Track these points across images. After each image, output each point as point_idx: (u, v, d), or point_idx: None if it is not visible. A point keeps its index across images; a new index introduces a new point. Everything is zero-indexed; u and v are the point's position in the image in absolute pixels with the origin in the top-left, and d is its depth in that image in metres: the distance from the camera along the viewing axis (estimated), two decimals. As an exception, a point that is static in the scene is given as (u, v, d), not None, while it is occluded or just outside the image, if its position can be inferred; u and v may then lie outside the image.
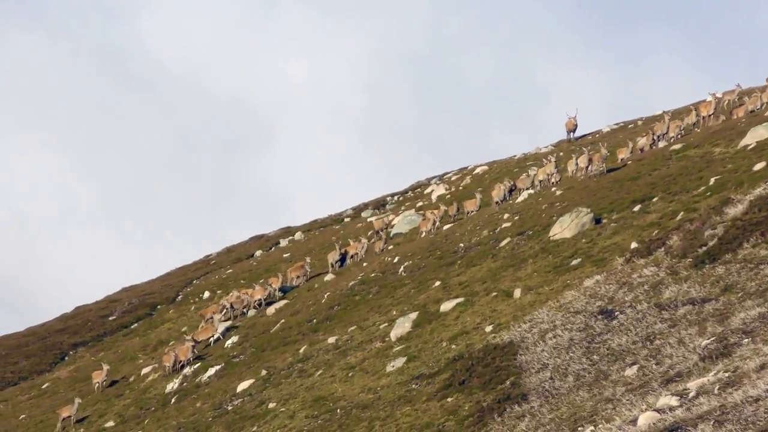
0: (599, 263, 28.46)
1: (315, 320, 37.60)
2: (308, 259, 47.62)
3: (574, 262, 29.68)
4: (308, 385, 30.41)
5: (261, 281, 47.08)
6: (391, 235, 49.95)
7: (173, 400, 36.72)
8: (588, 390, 20.57)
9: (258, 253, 62.38)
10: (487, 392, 23.45)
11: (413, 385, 26.51)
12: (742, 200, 25.55)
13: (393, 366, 28.46)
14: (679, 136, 44.22)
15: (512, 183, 46.53)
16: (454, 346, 27.66)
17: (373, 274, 40.81)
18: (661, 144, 44.34)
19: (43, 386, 48.14)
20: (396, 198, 65.17)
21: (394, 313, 33.20)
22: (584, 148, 46.05)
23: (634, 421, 15.40)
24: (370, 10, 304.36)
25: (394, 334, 30.98)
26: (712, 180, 31.97)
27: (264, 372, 33.71)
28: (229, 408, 32.24)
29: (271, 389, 31.85)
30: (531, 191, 44.40)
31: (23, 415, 43.95)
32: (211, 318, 44.70)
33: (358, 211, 65.58)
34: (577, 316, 23.96)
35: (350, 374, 29.68)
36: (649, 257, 25.23)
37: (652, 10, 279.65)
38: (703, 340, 19.35)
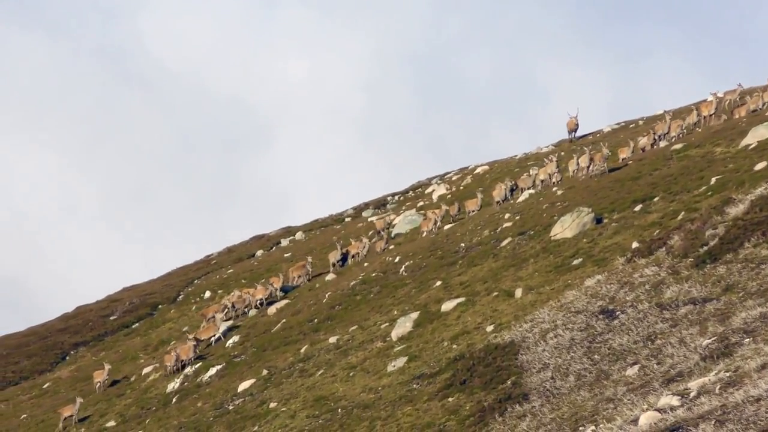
0: (600, 263, 28.46)
1: (316, 320, 37.60)
2: (310, 259, 47.63)
3: (575, 262, 29.69)
4: (309, 385, 30.41)
5: (262, 281, 47.09)
6: (393, 234, 49.95)
7: (174, 400, 36.73)
8: (589, 390, 20.57)
9: (259, 252, 62.40)
10: (488, 392, 23.45)
11: (414, 385, 26.51)
12: (743, 200, 25.54)
13: (394, 366, 28.46)
14: (681, 136, 44.22)
15: (513, 182, 46.52)
16: (455, 346, 27.66)
17: (374, 274, 40.82)
18: (663, 144, 44.33)
19: (44, 386, 48.16)
20: (397, 198, 65.18)
21: (395, 312, 33.21)
22: (585, 148, 46.05)
23: (635, 421, 15.40)
24: (370, 9, 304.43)
25: (395, 334, 30.98)
26: (713, 180, 31.96)
27: (265, 372, 33.72)
28: (230, 408, 32.25)
29: (272, 389, 31.86)
30: (532, 191, 44.40)
31: (24, 415, 43.96)
32: (213, 317, 44.71)
33: (358, 210, 65.59)
34: (578, 315, 23.96)
35: (351, 374, 29.69)
36: (650, 257, 25.23)
37: (652, 9, 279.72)
38: (705, 340, 19.35)
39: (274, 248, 62.92)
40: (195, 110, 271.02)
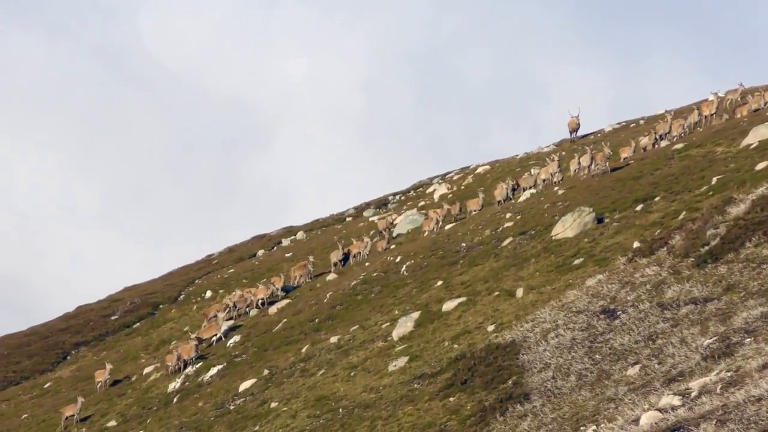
0: (601, 263, 28.45)
1: (317, 320, 37.59)
2: (311, 258, 47.62)
3: (577, 262, 29.67)
4: (310, 385, 30.41)
5: (263, 280, 47.09)
6: (394, 234, 49.95)
7: (175, 400, 36.73)
8: (590, 389, 20.56)
9: (260, 252, 62.39)
10: (489, 392, 23.44)
11: (415, 385, 26.51)
12: (744, 199, 25.53)
13: (395, 365, 28.46)
14: (682, 136, 44.20)
15: (515, 182, 46.49)
16: (456, 346, 27.65)
17: (375, 274, 40.81)
18: (664, 143, 44.31)
19: (46, 386, 48.16)
20: (398, 197, 65.17)
21: (396, 312, 33.21)
22: (587, 147, 46.03)
23: (636, 421, 15.39)
24: (369, 9, 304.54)
25: (396, 334, 30.97)
26: (715, 179, 31.95)
27: (266, 371, 33.71)
28: (231, 407, 32.25)
29: (273, 389, 31.86)
30: (533, 190, 44.38)
31: (25, 415, 43.97)
32: (215, 316, 44.71)
33: (359, 210, 65.59)
34: (580, 315, 23.95)
35: (352, 374, 29.68)
36: (652, 257, 25.22)
37: (652, 9, 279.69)
38: (706, 340, 19.34)
39: (275, 248, 62.92)
40: (194, 110, 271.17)
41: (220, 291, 53.22)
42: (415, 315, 31.39)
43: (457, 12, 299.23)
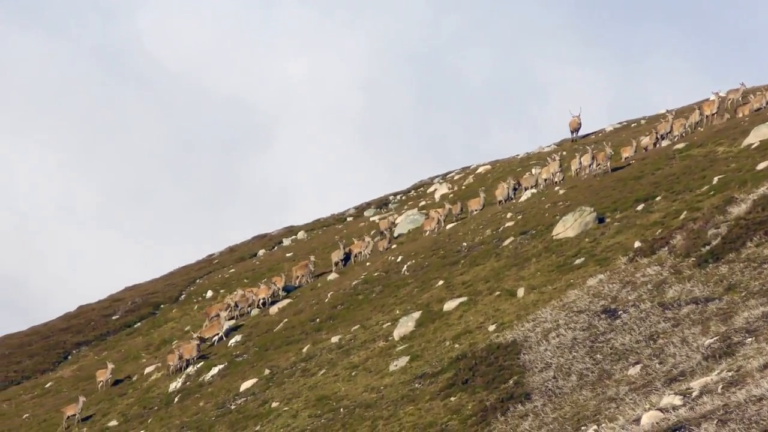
0: (602, 262, 28.45)
1: (318, 319, 37.60)
2: (313, 258, 47.63)
3: (578, 262, 29.67)
4: (311, 385, 30.41)
5: (264, 280, 47.10)
6: (395, 234, 49.96)
7: (176, 400, 36.74)
8: (591, 389, 20.56)
9: (261, 252, 62.40)
10: (490, 391, 23.44)
11: (416, 385, 26.50)
12: (745, 199, 25.52)
13: (396, 365, 28.45)
14: (683, 135, 44.19)
15: (516, 182, 46.47)
16: (457, 346, 27.65)
17: (376, 274, 40.81)
18: (665, 143, 44.30)
19: (47, 385, 48.18)
20: (399, 197, 65.17)
21: (398, 312, 33.21)
22: (588, 147, 46.02)
23: (637, 421, 15.39)
24: (369, 9, 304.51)
25: (397, 334, 30.97)
26: (716, 179, 31.94)
27: (267, 371, 33.71)
28: (232, 407, 32.25)
29: (274, 388, 31.86)
30: (534, 190, 44.37)
31: (26, 414, 43.99)
32: (217, 315, 44.73)
33: (360, 210, 65.59)
34: (581, 315, 23.95)
35: (353, 373, 29.68)
36: (653, 256, 25.22)
37: (653, 9, 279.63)
38: (707, 340, 19.33)
39: (276, 248, 62.92)
40: (194, 110, 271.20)
41: (221, 291, 53.23)
42: (416, 315, 31.39)
43: (456, 12, 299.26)
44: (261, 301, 44.80)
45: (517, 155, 61.38)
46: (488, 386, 23.69)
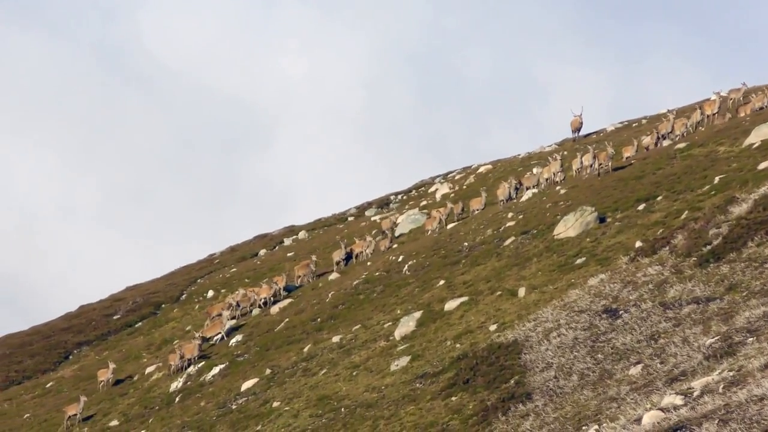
0: (603, 262, 28.44)
1: (319, 319, 37.60)
2: (314, 258, 47.63)
3: (579, 261, 29.66)
4: (312, 384, 30.41)
5: (266, 279, 47.10)
6: (396, 234, 49.96)
7: (177, 399, 36.74)
8: (592, 389, 20.55)
9: (262, 252, 62.42)
10: (491, 391, 23.43)
11: (417, 384, 26.50)
12: (746, 199, 25.51)
13: (397, 365, 28.45)
14: (684, 135, 44.17)
15: (518, 181, 46.47)
16: (458, 345, 27.64)
17: (377, 273, 40.80)
18: (666, 143, 44.28)
19: (48, 385, 48.19)
20: (400, 197, 65.19)
21: (399, 312, 33.20)
22: (589, 147, 46.00)
23: (638, 420, 15.38)
24: (369, 8, 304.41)
25: (398, 333, 30.97)
26: (717, 179, 31.93)
27: (268, 371, 33.71)
28: (234, 407, 32.25)
29: (276, 388, 31.86)
30: (535, 190, 44.37)
31: (27, 414, 44.00)
32: (219, 315, 44.75)
33: (361, 209, 65.62)
34: (582, 315, 23.94)
35: (354, 373, 29.68)
36: (654, 256, 25.21)
37: (653, 9, 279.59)
38: (708, 339, 19.32)
39: (277, 247, 62.95)
40: (195, 109, 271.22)
41: (222, 290, 53.25)
42: (417, 314, 31.39)
43: (457, 12, 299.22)
44: (262, 300, 44.80)
45: (519, 155, 61.38)
46: (489, 386, 23.68)
